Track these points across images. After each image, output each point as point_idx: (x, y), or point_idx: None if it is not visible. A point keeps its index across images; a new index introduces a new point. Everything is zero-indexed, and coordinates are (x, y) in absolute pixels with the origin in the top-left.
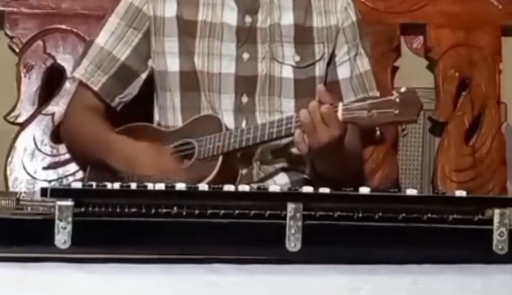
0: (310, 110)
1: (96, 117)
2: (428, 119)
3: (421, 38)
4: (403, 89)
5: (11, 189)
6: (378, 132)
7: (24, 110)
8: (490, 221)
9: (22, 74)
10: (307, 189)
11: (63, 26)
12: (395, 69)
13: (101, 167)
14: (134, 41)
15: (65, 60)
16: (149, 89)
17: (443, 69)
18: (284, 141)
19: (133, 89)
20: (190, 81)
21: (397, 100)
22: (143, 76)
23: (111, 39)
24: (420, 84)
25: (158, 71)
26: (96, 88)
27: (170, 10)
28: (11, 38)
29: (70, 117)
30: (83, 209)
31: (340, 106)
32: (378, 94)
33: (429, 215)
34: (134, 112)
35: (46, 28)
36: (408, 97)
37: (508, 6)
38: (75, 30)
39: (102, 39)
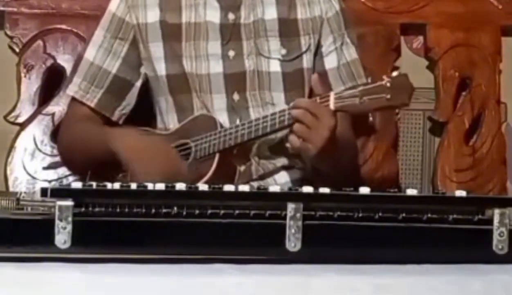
0: (300, 118)
1: (94, 123)
2: (428, 119)
3: (421, 38)
4: (394, 74)
5: (11, 189)
6: (370, 119)
7: (24, 110)
8: (490, 221)
9: (22, 74)
10: (307, 189)
11: (63, 26)
12: (395, 69)
13: (102, 170)
14: (123, 52)
15: (65, 60)
16: (149, 96)
17: (443, 69)
18: (280, 135)
19: (131, 99)
20: (180, 84)
21: (388, 84)
22: (138, 84)
23: (99, 53)
24: (420, 84)
25: (150, 77)
26: (92, 105)
27: (153, 16)
28: (11, 38)
29: (67, 129)
30: (83, 209)
31: (332, 95)
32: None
33: (429, 215)
34: (131, 120)
35: (46, 28)
36: (399, 82)
37: (508, 6)
38: (75, 30)
39: (91, 54)
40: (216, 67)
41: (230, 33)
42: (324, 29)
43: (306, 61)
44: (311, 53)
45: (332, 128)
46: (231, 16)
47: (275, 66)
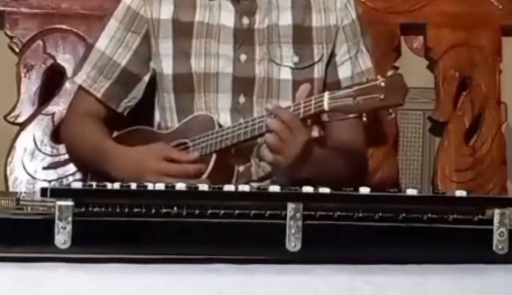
0: (276, 129)
1: (95, 125)
2: (428, 119)
3: (421, 38)
4: (388, 73)
5: (11, 189)
6: (364, 119)
7: (24, 110)
8: (490, 221)
9: (22, 74)
10: (307, 189)
11: (63, 26)
12: (395, 69)
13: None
14: (134, 45)
15: (65, 60)
16: (151, 91)
17: (443, 69)
18: None
19: (137, 92)
20: (185, 83)
21: (382, 84)
22: (146, 79)
23: (111, 43)
24: (420, 84)
25: (157, 73)
26: (99, 95)
27: (166, 12)
28: (11, 38)
29: (70, 125)
30: (83, 209)
31: (326, 95)
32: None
33: (429, 215)
34: (136, 114)
35: (46, 28)
36: (393, 81)
37: (508, 6)
38: (75, 30)
39: (102, 43)
40: (226, 67)
41: (243, 38)
42: (339, 37)
43: (317, 71)
44: (323, 63)
45: (304, 144)
46: (245, 20)
47: (286, 74)
